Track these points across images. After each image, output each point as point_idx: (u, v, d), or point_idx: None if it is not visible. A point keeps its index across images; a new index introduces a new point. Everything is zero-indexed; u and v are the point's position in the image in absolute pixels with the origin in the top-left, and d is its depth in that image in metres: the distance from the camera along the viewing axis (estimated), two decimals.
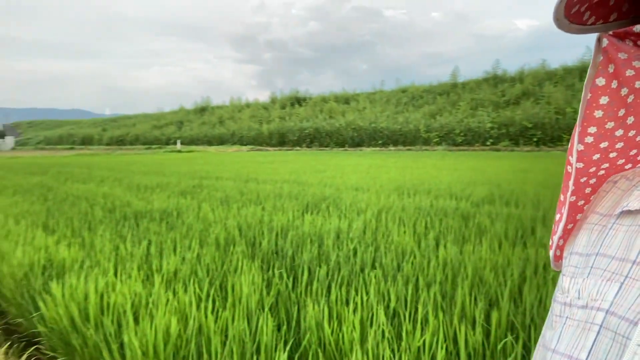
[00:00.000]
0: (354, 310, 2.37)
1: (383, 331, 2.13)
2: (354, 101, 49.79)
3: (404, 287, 2.63)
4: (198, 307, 2.47)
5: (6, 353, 2.61)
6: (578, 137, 0.46)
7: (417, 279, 2.80)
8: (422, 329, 2.17)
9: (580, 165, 0.47)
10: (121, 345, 2.32)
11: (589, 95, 0.44)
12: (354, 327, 2.13)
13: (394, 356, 2.00)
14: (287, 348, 1.98)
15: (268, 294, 2.66)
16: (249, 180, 9.39)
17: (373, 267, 3.11)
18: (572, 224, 0.50)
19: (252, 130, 49.18)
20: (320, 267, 3.03)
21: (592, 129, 0.45)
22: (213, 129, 55.31)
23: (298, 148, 41.81)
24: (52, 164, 18.99)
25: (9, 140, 69.26)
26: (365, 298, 2.46)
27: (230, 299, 2.59)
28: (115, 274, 3.05)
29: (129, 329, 2.28)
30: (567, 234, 0.50)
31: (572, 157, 0.47)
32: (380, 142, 38.46)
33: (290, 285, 2.75)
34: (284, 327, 2.28)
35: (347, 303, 2.46)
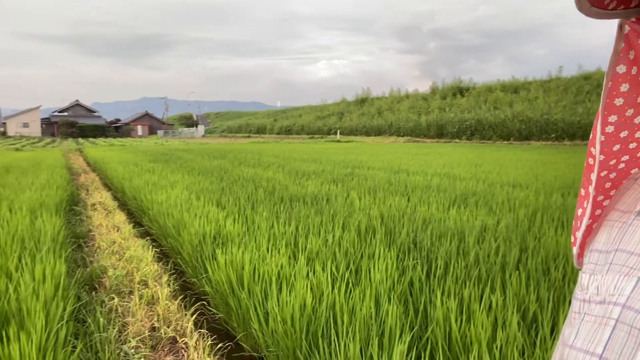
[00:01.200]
0: (487, 309, 2.27)
1: (515, 335, 2.01)
2: (524, 90, 45.48)
3: (547, 292, 2.41)
4: (333, 286, 2.64)
5: (180, 304, 3.16)
6: (600, 127, 0.43)
7: (566, 286, 2.54)
8: None
9: (602, 157, 0.44)
10: (266, 311, 2.62)
11: (610, 83, 0.41)
12: (483, 326, 2.06)
13: None
14: (408, 338, 2.01)
15: (400, 282, 2.70)
16: (399, 171, 9.41)
17: (516, 268, 2.90)
18: (591, 220, 0.47)
19: (410, 122, 48.70)
20: (457, 262, 2.95)
21: (613, 118, 0.43)
22: (372, 120, 56.36)
23: (457, 140, 40.06)
24: (231, 149, 21.67)
25: (201, 129, 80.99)
26: (501, 298, 2.34)
27: (363, 282, 2.70)
28: (267, 249, 3.42)
29: (272, 298, 2.56)
30: (587, 231, 0.48)
31: (594, 148, 0.45)
32: (552, 135, 34.52)
33: (423, 276, 2.74)
34: (410, 316, 2.31)
35: (481, 301, 2.37)
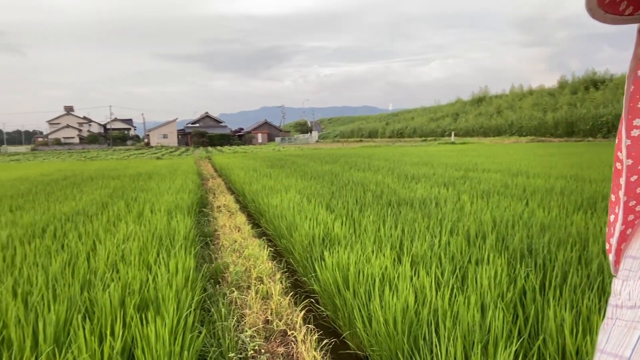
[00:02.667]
0: None
1: None
2: None
3: None
4: (437, 290, 2.61)
5: (291, 300, 3.37)
6: (625, 132, 0.42)
7: None
8: None
9: (630, 162, 0.43)
10: (370, 312, 2.68)
11: (632, 87, 0.41)
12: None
13: None
14: (514, 348, 1.92)
15: (509, 289, 2.57)
16: (518, 173, 8.80)
17: None
18: (624, 226, 0.45)
19: (534, 120, 45.05)
20: (577, 270, 2.72)
21: (638, 121, 0.41)
22: (490, 119, 53.31)
23: (590, 139, 36.03)
24: (342, 154, 22.14)
25: (315, 135, 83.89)
26: None
27: (469, 288, 2.63)
28: (372, 251, 3.48)
29: (375, 299, 2.62)
30: (622, 238, 0.46)
31: (620, 153, 0.44)
32: None
33: (536, 285, 2.58)
34: (519, 325, 2.20)
35: (601, 313, 2.16)
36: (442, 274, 2.88)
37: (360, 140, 69.87)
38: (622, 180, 0.47)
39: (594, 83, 46.99)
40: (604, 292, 2.48)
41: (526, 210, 4.70)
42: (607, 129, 36.19)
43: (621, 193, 0.47)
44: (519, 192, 6.15)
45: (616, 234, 0.48)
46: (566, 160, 12.03)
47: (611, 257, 0.50)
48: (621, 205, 0.47)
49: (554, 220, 4.12)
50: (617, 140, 0.46)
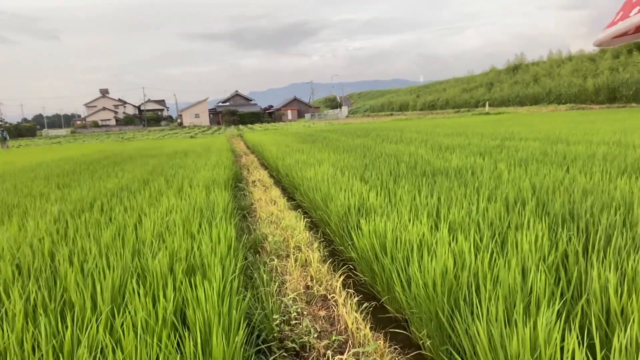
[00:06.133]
0: None
1: None
2: None
3: None
4: (475, 255, 2.62)
5: (329, 268, 3.45)
6: None
7: None
8: None
9: None
10: (408, 276, 2.72)
11: None
12: None
13: None
14: (557, 307, 1.93)
15: (551, 253, 2.55)
16: (557, 141, 8.53)
17: None
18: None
19: (573, 87, 43.17)
20: (622, 233, 2.66)
21: None
22: (526, 88, 51.43)
23: (634, 105, 34.30)
24: (373, 128, 21.94)
25: (344, 110, 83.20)
26: None
27: (509, 253, 2.63)
28: (409, 219, 3.50)
29: (414, 264, 2.65)
30: None
31: None
32: None
33: (579, 248, 2.55)
34: (562, 286, 2.19)
35: None
36: (481, 239, 2.88)
37: (391, 114, 68.88)
38: None
39: (637, 46, 44.36)
40: None
41: (567, 176, 4.58)
42: None
43: None
44: (559, 159, 5.99)
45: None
46: (608, 127, 11.55)
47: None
48: None
49: (596, 185, 4.01)
50: None
